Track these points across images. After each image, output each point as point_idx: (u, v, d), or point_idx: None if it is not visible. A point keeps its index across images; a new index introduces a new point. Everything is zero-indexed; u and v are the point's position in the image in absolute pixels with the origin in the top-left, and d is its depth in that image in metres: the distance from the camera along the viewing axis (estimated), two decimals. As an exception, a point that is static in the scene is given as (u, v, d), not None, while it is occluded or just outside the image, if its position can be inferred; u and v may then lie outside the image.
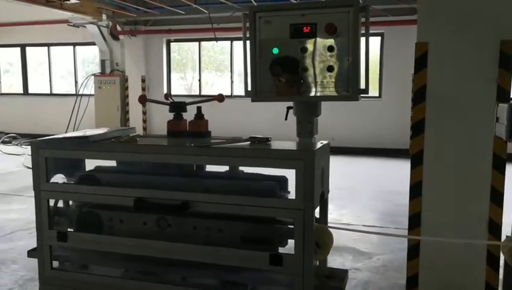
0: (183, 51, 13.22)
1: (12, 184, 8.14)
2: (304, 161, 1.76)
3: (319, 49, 2.08)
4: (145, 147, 2.01)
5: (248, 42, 2.16)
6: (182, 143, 2.07)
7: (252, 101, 2.18)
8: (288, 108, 2.22)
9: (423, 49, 3.17)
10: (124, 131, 2.36)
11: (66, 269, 2.27)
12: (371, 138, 10.39)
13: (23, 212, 6.44)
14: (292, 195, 2.13)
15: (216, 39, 10.47)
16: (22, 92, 14.49)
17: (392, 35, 9.83)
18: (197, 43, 12.14)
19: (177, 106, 2.20)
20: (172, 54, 12.87)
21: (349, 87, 2.06)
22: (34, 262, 4.51)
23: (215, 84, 12.77)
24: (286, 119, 2.30)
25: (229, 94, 11.55)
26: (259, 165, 1.87)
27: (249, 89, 2.17)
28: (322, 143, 1.95)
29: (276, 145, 1.95)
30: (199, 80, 12.62)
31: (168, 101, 2.22)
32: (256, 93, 2.15)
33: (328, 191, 2.01)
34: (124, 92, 12.58)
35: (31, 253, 2.29)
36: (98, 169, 2.30)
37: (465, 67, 3.07)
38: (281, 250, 2.02)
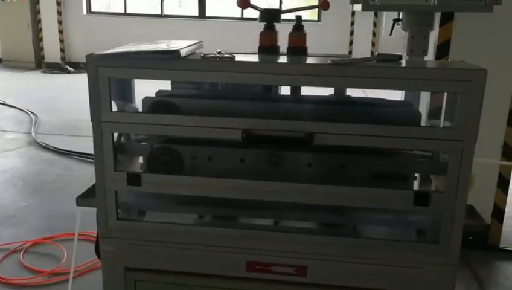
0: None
1: None
2: (473, 82, 1.48)
3: None
4: (260, 66, 1.57)
5: None
6: (301, 60, 1.65)
7: (363, 10, 1.79)
8: (396, 20, 1.87)
9: None
10: (192, 46, 1.79)
11: (132, 218, 1.81)
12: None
13: None
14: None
15: None
16: None
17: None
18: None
19: (271, 14, 1.76)
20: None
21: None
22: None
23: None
24: (391, 34, 1.97)
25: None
26: (410, 89, 1.55)
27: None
28: (462, 62, 1.66)
29: (413, 64, 1.63)
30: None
31: (261, 8, 1.76)
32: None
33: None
34: (35, 6, 10.95)
35: (82, 201, 1.78)
36: (172, 94, 1.80)
37: None
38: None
